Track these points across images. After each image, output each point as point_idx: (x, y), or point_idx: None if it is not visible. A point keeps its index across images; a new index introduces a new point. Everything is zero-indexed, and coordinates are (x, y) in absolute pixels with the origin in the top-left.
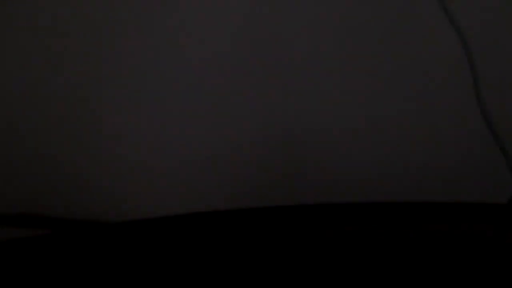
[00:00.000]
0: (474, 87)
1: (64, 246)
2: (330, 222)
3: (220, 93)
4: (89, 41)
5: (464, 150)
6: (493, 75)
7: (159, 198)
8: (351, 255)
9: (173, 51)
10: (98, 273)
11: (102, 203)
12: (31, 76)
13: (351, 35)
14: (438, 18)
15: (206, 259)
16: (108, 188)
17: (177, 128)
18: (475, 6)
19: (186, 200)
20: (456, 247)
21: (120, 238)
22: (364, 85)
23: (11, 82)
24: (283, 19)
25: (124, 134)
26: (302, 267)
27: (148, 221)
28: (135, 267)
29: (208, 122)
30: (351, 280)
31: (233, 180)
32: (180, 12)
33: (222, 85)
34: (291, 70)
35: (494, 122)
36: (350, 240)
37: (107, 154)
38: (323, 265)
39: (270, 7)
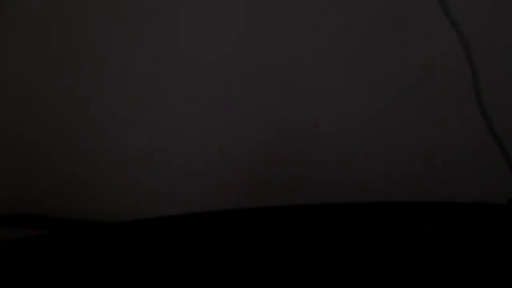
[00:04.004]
0: (474, 87)
1: (64, 246)
2: (330, 222)
3: (220, 94)
4: (89, 42)
5: (464, 150)
6: (493, 75)
7: (160, 198)
8: (351, 255)
9: (173, 52)
10: (98, 273)
11: (102, 203)
12: (31, 77)
13: (352, 35)
14: (438, 18)
15: (206, 259)
16: (108, 188)
17: (177, 128)
18: (475, 7)
19: (186, 200)
20: (456, 247)
21: (120, 238)
22: (365, 86)
23: (11, 83)
24: (283, 20)
25: (124, 134)
26: (302, 267)
27: (148, 221)
28: (135, 267)
29: (208, 123)
30: (351, 280)
31: (232, 180)
32: (180, 13)
33: (222, 86)
34: (292, 70)
35: (494, 122)
36: (350, 240)
37: (107, 154)
38: (323, 264)
39: (270, 8)
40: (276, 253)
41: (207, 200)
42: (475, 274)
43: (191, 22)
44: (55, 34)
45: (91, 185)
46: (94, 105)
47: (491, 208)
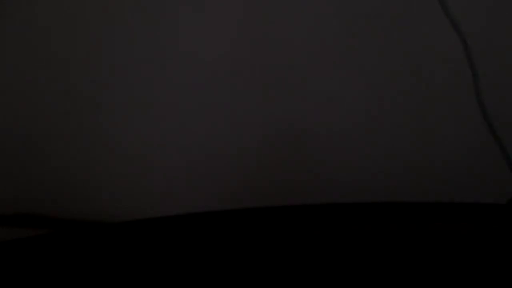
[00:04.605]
0: (474, 87)
1: (64, 246)
2: (329, 222)
3: (219, 94)
4: (89, 42)
5: (464, 150)
6: (493, 75)
7: (159, 198)
8: (351, 255)
9: (173, 52)
10: (98, 273)
11: (102, 203)
12: (31, 77)
13: (351, 34)
14: (438, 18)
15: (206, 260)
16: (108, 188)
17: (176, 128)
18: (475, 7)
19: (186, 200)
20: (456, 247)
21: (120, 238)
22: (364, 85)
23: (11, 82)
24: (283, 19)
25: (124, 134)
26: (301, 267)
27: (148, 221)
28: (135, 267)
29: (208, 123)
30: (351, 280)
31: (233, 180)
32: (180, 13)
33: (221, 86)
34: (292, 70)
35: (494, 122)
36: (350, 240)
37: (107, 154)
38: (323, 265)
39: (270, 8)
40: (276, 253)
41: (207, 200)
42: (475, 274)
43: (191, 22)
44: (55, 34)
45: (91, 185)
46: (94, 105)
47: (491, 208)
